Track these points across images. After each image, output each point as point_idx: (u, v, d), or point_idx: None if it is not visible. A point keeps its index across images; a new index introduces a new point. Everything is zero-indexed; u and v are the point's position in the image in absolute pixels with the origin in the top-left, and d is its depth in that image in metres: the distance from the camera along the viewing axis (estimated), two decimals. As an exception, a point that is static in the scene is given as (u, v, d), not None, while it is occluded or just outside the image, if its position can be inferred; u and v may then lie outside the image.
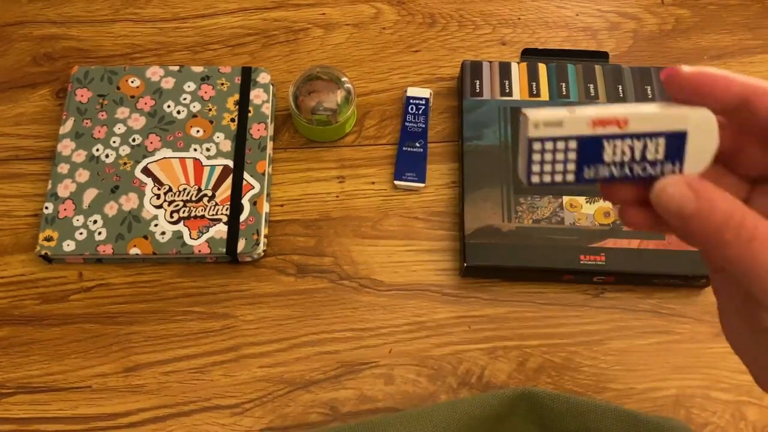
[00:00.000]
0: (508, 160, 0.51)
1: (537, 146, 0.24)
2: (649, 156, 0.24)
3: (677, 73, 0.24)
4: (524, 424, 0.40)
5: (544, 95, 0.54)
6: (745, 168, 0.26)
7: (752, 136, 0.25)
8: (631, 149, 0.24)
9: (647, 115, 0.24)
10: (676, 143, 0.24)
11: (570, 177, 0.25)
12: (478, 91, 0.54)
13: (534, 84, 0.54)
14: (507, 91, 0.54)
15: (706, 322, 0.48)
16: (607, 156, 0.24)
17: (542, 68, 0.55)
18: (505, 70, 0.55)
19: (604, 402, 0.39)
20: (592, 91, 0.54)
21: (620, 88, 0.54)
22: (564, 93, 0.54)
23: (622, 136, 0.24)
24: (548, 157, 0.24)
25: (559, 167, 0.25)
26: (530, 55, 0.56)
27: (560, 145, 0.24)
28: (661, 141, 0.24)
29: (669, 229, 0.26)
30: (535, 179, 0.25)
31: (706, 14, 0.61)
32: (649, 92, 0.54)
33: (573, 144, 0.24)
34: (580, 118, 0.24)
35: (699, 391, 0.46)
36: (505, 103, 0.53)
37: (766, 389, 0.26)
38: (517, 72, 0.55)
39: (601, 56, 0.56)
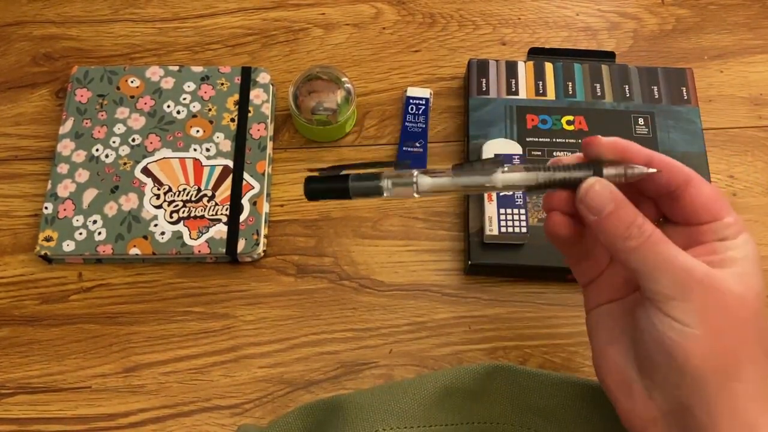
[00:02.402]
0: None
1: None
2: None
3: (597, 141, 0.31)
4: (498, 401, 0.39)
5: (551, 94, 0.54)
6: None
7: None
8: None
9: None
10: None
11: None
12: (484, 89, 0.54)
13: (540, 83, 0.54)
14: (513, 90, 0.54)
15: (706, 322, 0.48)
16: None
17: (549, 67, 0.55)
18: (511, 68, 0.55)
19: (577, 377, 0.39)
20: (598, 90, 0.54)
21: (626, 88, 0.54)
22: (570, 92, 0.54)
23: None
24: None
25: None
26: (537, 54, 0.56)
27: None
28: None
29: (576, 238, 0.33)
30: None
31: (707, 14, 0.61)
32: (655, 92, 0.54)
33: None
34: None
35: (699, 391, 0.46)
36: (512, 101, 0.53)
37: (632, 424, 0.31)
38: (524, 71, 0.55)
39: (607, 56, 0.56)
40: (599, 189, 0.29)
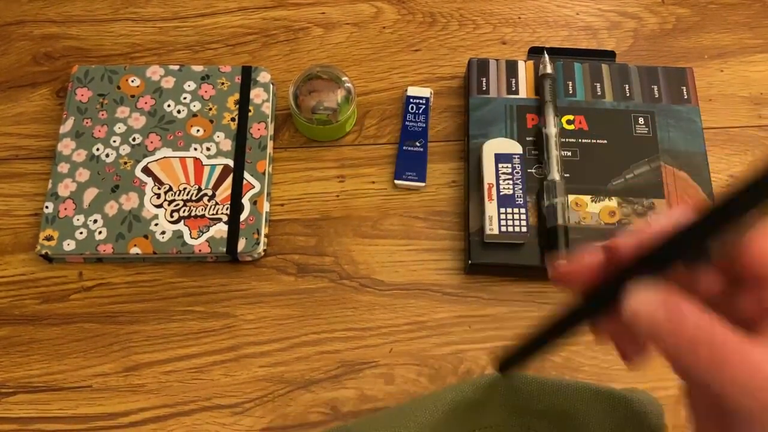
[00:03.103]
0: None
1: None
2: None
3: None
4: (498, 410, 0.40)
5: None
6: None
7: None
8: None
9: None
10: None
11: None
12: (484, 88, 0.54)
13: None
14: (513, 89, 0.54)
15: (706, 321, 0.48)
16: None
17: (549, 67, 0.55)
18: (511, 68, 0.55)
19: (576, 380, 0.39)
20: (598, 90, 0.54)
21: (626, 87, 0.54)
22: (570, 92, 0.54)
23: None
24: None
25: None
26: (537, 53, 0.56)
27: None
28: None
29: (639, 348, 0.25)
30: None
31: (707, 13, 0.61)
32: (655, 92, 0.54)
33: None
34: None
35: (699, 390, 0.46)
36: (512, 101, 0.53)
37: None
38: (524, 70, 0.55)
39: (608, 55, 0.56)
40: (644, 308, 0.21)
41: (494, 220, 0.48)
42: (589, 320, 0.25)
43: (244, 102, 0.53)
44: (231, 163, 0.51)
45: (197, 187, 0.50)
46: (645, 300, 0.21)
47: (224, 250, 0.48)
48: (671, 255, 0.21)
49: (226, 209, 0.49)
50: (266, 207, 0.50)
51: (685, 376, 0.22)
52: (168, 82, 0.54)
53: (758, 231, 0.20)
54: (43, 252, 0.48)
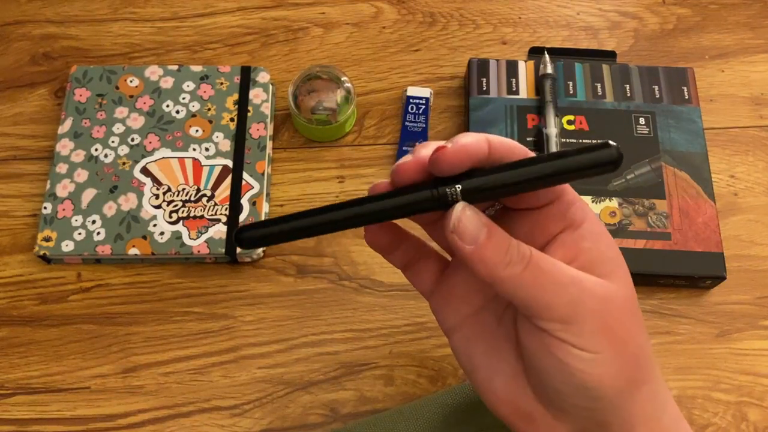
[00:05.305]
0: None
1: None
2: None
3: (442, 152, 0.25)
4: None
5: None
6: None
7: None
8: None
9: None
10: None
11: None
12: (484, 89, 0.54)
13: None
14: (514, 89, 0.54)
15: (707, 322, 0.48)
16: None
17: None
18: (512, 68, 0.55)
19: None
20: (599, 90, 0.54)
21: (627, 88, 0.54)
22: (571, 92, 0.54)
23: None
24: None
25: None
26: (537, 53, 0.56)
27: None
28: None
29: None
30: None
31: (708, 13, 0.60)
32: (656, 92, 0.54)
33: None
34: None
35: (700, 392, 0.46)
36: (512, 101, 0.53)
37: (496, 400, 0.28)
38: (524, 70, 0.55)
39: (608, 55, 0.56)
40: (470, 215, 0.24)
41: None
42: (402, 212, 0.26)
43: (243, 102, 0.53)
44: (230, 163, 0.51)
45: (196, 187, 0.50)
46: (472, 219, 0.24)
47: (223, 251, 0.48)
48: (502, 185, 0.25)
49: (225, 210, 0.49)
50: (265, 208, 0.50)
51: (501, 290, 0.25)
52: (167, 83, 0.54)
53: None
54: (42, 253, 0.48)
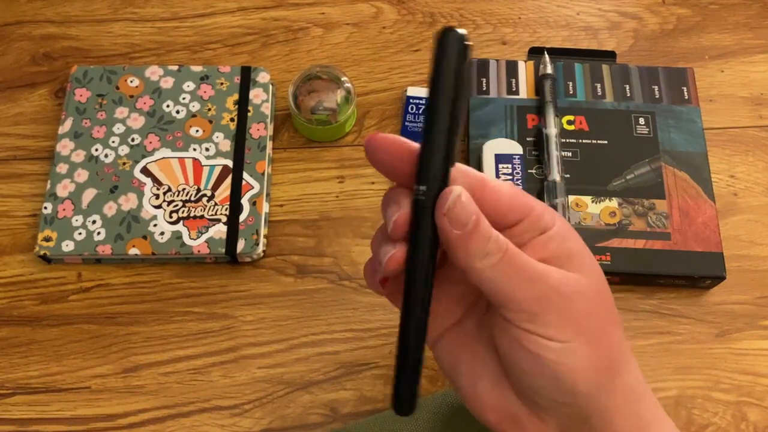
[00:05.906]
0: (509, 160, 0.51)
1: None
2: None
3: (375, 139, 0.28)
4: None
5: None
6: None
7: None
8: None
9: None
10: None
11: None
12: (484, 89, 0.54)
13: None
14: (514, 89, 0.54)
15: (707, 322, 0.48)
16: None
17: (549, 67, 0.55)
18: (512, 68, 0.55)
19: None
20: (599, 90, 0.54)
21: (627, 88, 0.54)
22: (571, 92, 0.54)
23: None
24: None
25: None
26: (537, 53, 0.56)
27: None
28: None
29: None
30: None
31: (708, 14, 0.60)
32: (656, 92, 0.54)
33: None
34: None
35: (700, 391, 0.46)
36: (512, 101, 0.53)
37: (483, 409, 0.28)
38: (524, 70, 0.55)
39: (608, 56, 0.56)
40: (465, 200, 0.25)
41: None
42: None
43: (243, 102, 0.53)
44: (230, 163, 0.51)
45: (196, 187, 0.50)
46: (466, 206, 0.25)
47: (223, 251, 0.48)
48: None
49: (226, 210, 0.49)
50: (265, 208, 0.50)
51: (474, 278, 0.26)
52: (167, 83, 0.54)
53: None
54: (42, 253, 0.48)
